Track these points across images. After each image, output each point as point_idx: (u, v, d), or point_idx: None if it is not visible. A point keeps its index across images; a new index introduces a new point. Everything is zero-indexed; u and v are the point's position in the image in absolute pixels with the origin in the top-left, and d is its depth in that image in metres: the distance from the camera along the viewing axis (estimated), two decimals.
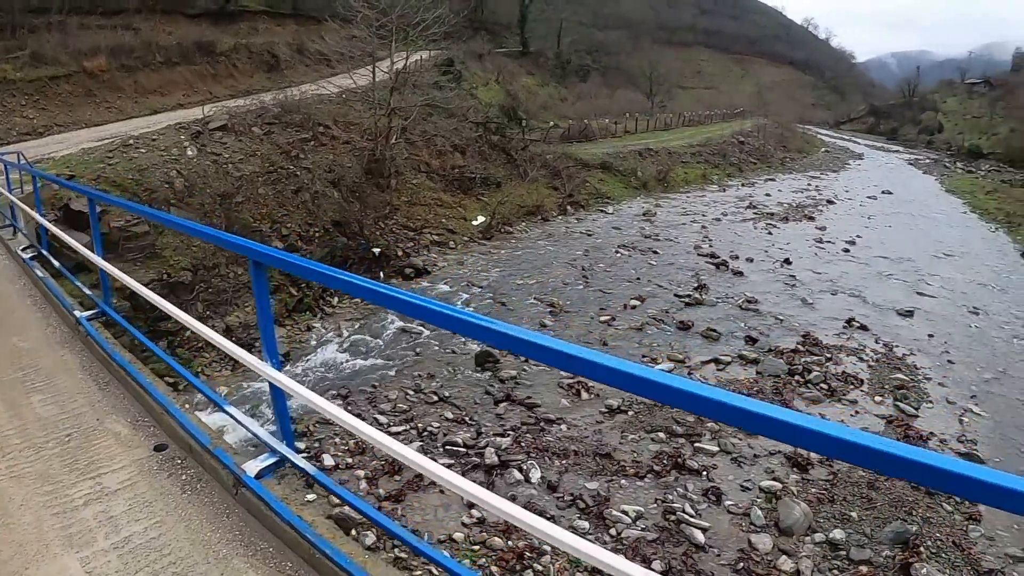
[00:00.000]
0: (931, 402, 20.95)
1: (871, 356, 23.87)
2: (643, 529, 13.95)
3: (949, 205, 63.23)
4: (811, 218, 50.18)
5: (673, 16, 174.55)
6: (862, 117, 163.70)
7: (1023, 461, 18.18)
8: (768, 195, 58.96)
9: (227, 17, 55.27)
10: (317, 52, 36.85)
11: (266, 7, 60.74)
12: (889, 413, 19.95)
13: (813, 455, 16.87)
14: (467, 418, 18.32)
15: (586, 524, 13.97)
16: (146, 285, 19.46)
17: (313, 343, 23.13)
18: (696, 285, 30.80)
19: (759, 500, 15.27)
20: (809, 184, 67.89)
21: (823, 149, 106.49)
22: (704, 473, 16.10)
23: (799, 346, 24.31)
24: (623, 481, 15.55)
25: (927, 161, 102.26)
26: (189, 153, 25.77)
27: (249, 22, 56.73)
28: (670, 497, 15.02)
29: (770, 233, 44.29)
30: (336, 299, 26.23)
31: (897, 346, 24.99)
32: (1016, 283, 36.15)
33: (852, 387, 21.38)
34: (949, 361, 24.12)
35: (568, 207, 45.98)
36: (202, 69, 41.75)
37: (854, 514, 15.08)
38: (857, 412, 19.89)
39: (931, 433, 19.04)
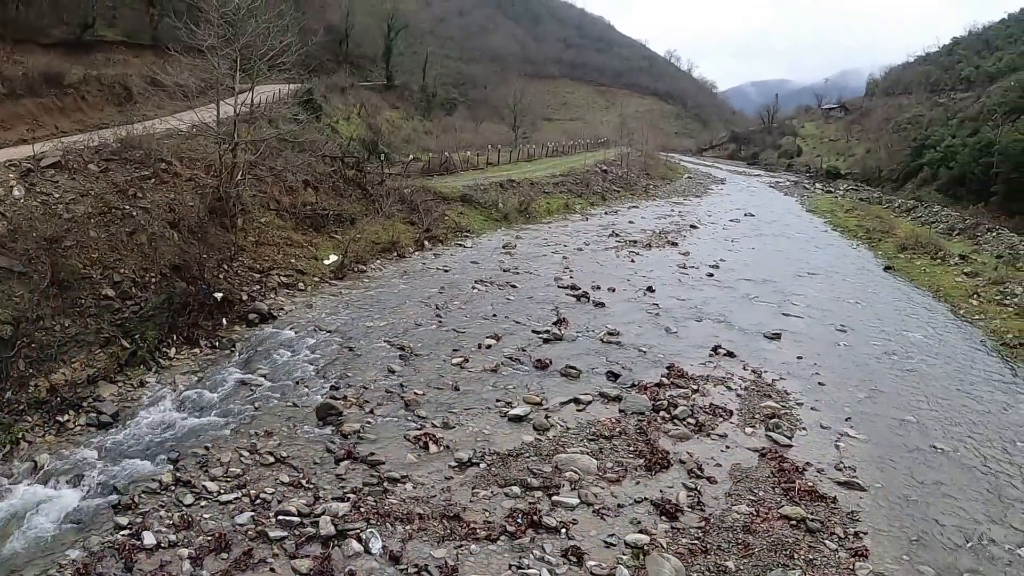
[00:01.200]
0: (805, 429, 21.20)
1: (739, 384, 24.07)
2: None
3: (811, 224, 65.96)
4: (674, 244, 51.37)
5: (539, 50, 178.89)
6: (724, 144, 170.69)
7: (907, 485, 18.45)
8: (631, 222, 60.12)
9: (83, 47, 53.40)
10: (175, 84, 35.37)
11: (124, 37, 58.89)
12: (762, 445, 20.02)
13: (682, 499, 16.77)
14: (304, 481, 17.53)
15: None
16: None
17: (146, 401, 21.84)
18: (555, 320, 30.72)
19: (625, 557, 14.81)
20: (672, 210, 69.67)
21: (686, 175, 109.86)
22: (563, 530, 15.57)
23: (664, 379, 24.32)
24: (473, 546, 14.92)
25: (788, 183, 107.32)
26: (15, 194, 24.26)
27: (105, 53, 54.96)
28: (526, 562, 14.45)
29: (633, 261, 45.04)
30: (173, 351, 25.05)
31: (766, 371, 25.35)
32: (881, 298, 37.72)
33: (721, 420, 21.48)
34: (820, 383, 24.57)
35: (425, 242, 45.59)
36: (48, 102, 39.80)
37: (731, 564, 14.81)
38: (728, 447, 19.89)
39: (807, 463, 19.11)
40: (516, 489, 17.14)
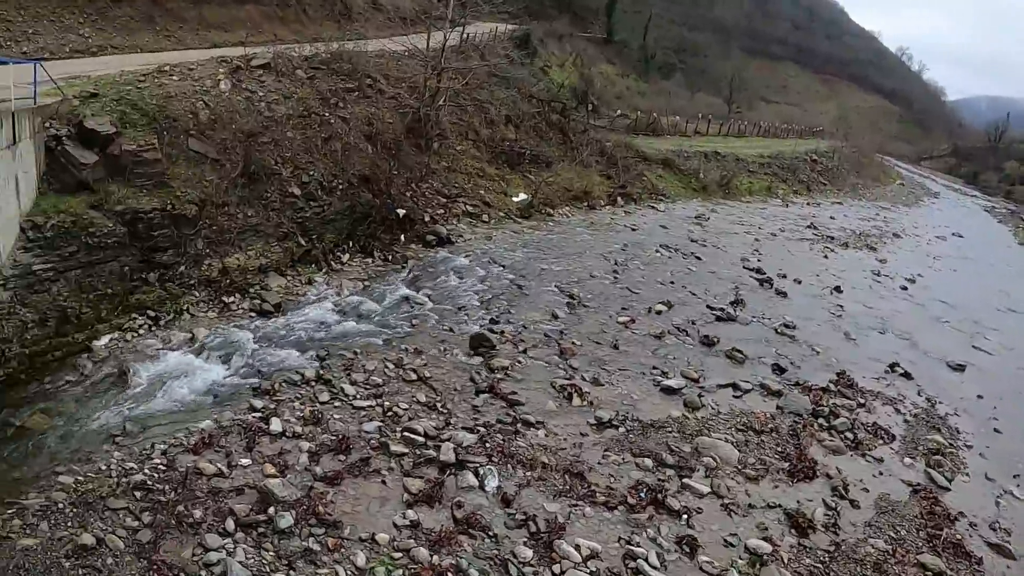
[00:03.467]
0: (967, 475, 19.29)
1: (909, 409, 22.36)
2: (591, 574, 12.83)
3: (1022, 259, 61.08)
4: (873, 248, 48.79)
5: (766, 27, 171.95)
6: (944, 156, 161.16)
7: None
8: (832, 218, 57.64)
9: None
10: (393, 6, 36.08)
11: None
12: (917, 480, 18.30)
13: (818, 515, 15.64)
14: (440, 405, 17.71)
15: (529, 553, 12.96)
16: (148, 213, 19.73)
17: (310, 298, 22.78)
18: (733, 299, 29.71)
19: (741, 562, 13.89)
20: (877, 214, 66.30)
21: (898, 182, 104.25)
22: (685, 517, 14.79)
23: (831, 384, 22.89)
24: (588, 509, 14.50)
25: (1005, 211, 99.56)
26: (222, 87, 25.35)
27: None
28: (636, 539, 13.85)
29: (826, 257, 43.09)
30: (346, 256, 25.82)
31: (941, 402, 23.43)
32: None
33: (881, 442, 19.89)
34: (996, 430, 22.37)
35: (618, 198, 45.11)
36: (269, 10, 41.10)
37: None
38: (881, 473, 18.33)
39: (961, 513, 17.23)
40: (648, 462, 16.49)
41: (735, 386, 21.40)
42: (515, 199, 37.07)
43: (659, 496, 15.15)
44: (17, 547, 11.58)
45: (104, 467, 13.78)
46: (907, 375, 24.96)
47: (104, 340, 18.25)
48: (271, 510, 12.98)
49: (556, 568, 12.77)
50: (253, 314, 21.04)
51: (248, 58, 28.30)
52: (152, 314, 19.65)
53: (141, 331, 19.07)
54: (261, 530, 12.67)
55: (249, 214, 23.16)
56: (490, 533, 13.33)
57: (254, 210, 23.39)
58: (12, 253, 16.86)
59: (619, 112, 65.44)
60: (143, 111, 22.06)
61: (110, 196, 19.80)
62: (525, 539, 13.33)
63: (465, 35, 41.09)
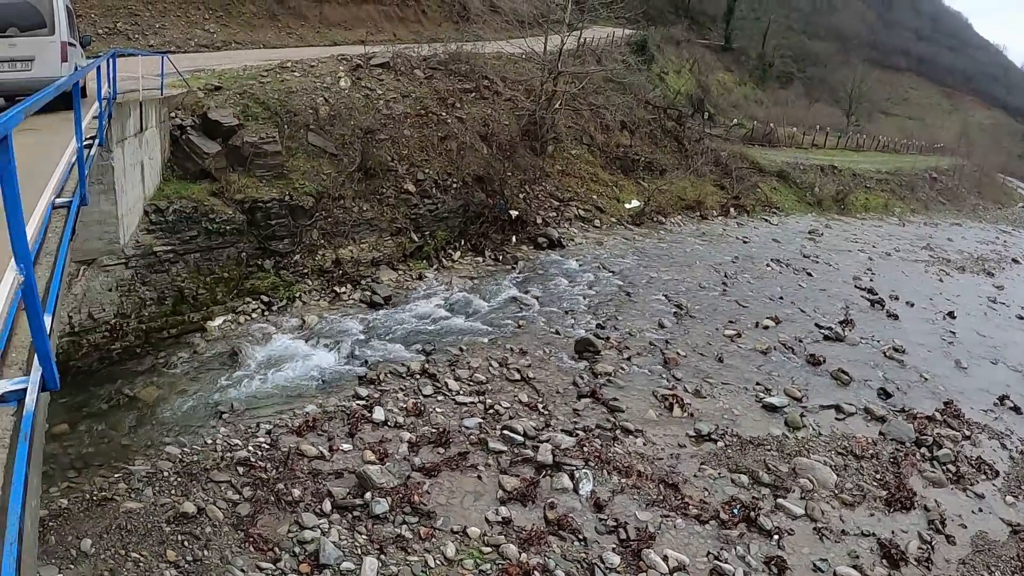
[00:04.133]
0: None
1: (1016, 446, 21.05)
2: None
3: None
4: (991, 274, 46.53)
5: (887, 37, 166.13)
6: None
7: None
8: (950, 240, 55.28)
9: None
10: (511, 10, 36.34)
11: None
12: (1018, 520, 17.12)
13: (912, 548, 14.86)
14: (541, 406, 17.60)
15: (616, 560, 12.75)
16: (267, 203, 20.24)
17: (420, 293, 22.99)
18: (842, 319, 28.69)
19: None
20: (997, 238, 63.27)
21: (1020, 204, 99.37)
22: (776, 537, 14.29)
23: (937, 414, 21.55)
24: (680, 520, 14.18)
25: None
26: (342, 84, 25.93)
27: None
28: (725, 555, 13.49)
29: (941, 280, 41.27)
30: (457, 254, 25.97)
31: None
32: None
33: (984, 477, 18.61)
34: None
35: (731, 209, 44.34)
36: (390, 10, 41.89)
37: None
38: (981, 510, 17.18)
39: None
40: (744, 479, 15.99)
41: (838, 408, 20.51)
42: (627, 205, 36.74)
43: (752, 514, 14.70)
44: (121, 509, 12.02)
45: (210, 441, 14.27)
46: (1017, 409, 23.54)
47: (218, 321, 18.94)
48: (368, 495, 13.15)
49: None
50: (363, 305, 21.38)
51: (368, 57, 28.88)
52: (265, 299, 20.29)
53: (254, 315, 19.71)
54: (356, 513, 12.86)
55: (364, 208, 23.55)
56: (580, 536, 13.19)
57: (369, 204, 23.78)
58: (135, 234, 17.44)
59: (735, 121, 64.53)
60: (265, 105, 22.77)
61: (231, 185, 20.49)
62: (614, 545, 13.12)
63: (582, 39, 41.06)
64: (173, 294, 18.30)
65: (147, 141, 17.33)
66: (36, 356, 4.98)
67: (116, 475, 12.87)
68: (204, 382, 16.43)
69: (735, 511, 14.73)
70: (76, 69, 13.70)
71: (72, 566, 11.34)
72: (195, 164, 20.42)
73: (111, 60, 14.01)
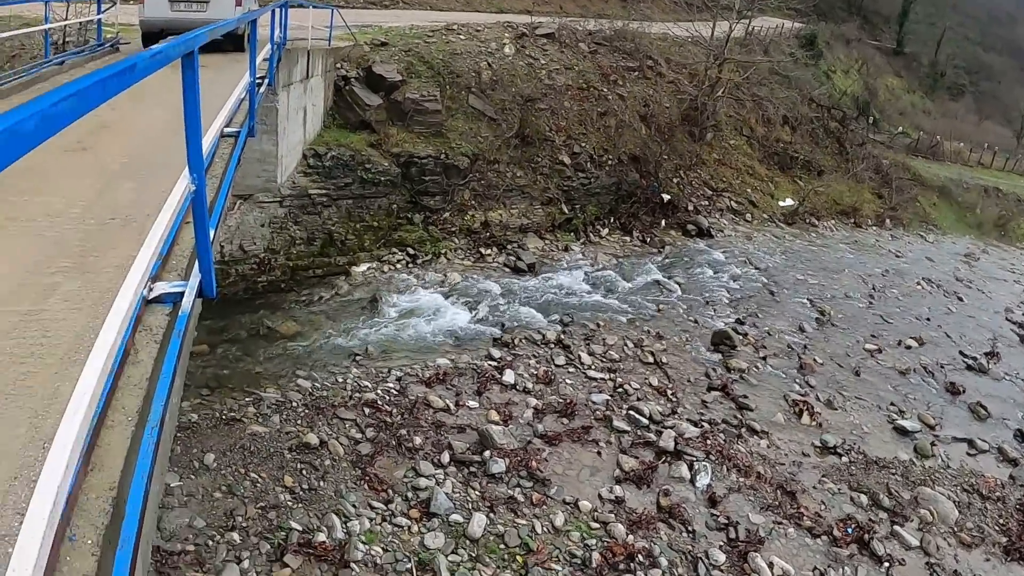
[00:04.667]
0: None
1: None
2: None
3: None
4: None
5: None
6: None
7: None
8: None
9: None
10: None
11: None
12: None
13: None
14: (670, 392, 17.33)
15: (721, 558, 12.44)
16: (422, 159, 20.62)
17: (564, 264, 22.98)
18: (988, 351, 27.27)
19: None
20: None
21: None
22: (887, 565, 13.65)
23: None
24: (791, 530, 13.72)
25: None
26: (506, 50, 26.09)
27: None
28: (832, 573, 13.03)
29: None
30: (605, 231, 25.83)
31: None
32: None
33: None
34: None
35: (887, 220, 42.70)
36: None
37: None
38: None
39: None
40: (864, 499, 15.25)
41: (971, 443, 19.24)
42: (781, 203, 35.76)
43: (865, 536, 14.04)
44: (247, 431, 12.53)
45: (340, 380, 14.71)
46: None
47: (363, 267, 19.45)
48: (486, 453, 13.28)
49: None
50: (506, 269, 21.56)
51: (533, 26, 28.94)
52: (411, 252, 20.74)
53: (398, 266, 20.19)
54: (473, 470, 13.02)
55: (518, 175, 23.68)
56: (689, 528, 12.94)
57: (523, 172, 23.89)
58: (292, 176, 17.97)
59: (900, 129, 61.79)
60: (429, 64, 23.20)
61: (389, 138, 20.95)
62: (721, 543, 12.80)
63: (751, 28, 40.18)
64: (322, 236, 18.86)
65: (312, 88, 17.83)
66: (197, 264, 5.17)
67: (247, 399, 13.45)
68: (342, 323, 16.96)
69: (849, 530, 14.14)
70: None
71: (193, 476, 12.01)
72: (356, 115, 20.93)
73: (283, 8, 14.56)
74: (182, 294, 4.89)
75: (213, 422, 12.92)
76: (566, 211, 24.77)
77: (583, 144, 26.11)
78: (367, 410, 13.78)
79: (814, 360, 21.06)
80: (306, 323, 16.56)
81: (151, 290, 4.92)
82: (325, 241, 18.94)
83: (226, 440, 12.49)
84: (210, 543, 11.18)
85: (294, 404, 13.62)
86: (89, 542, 3.16)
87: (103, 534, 3.20)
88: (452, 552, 11.49)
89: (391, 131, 21.21)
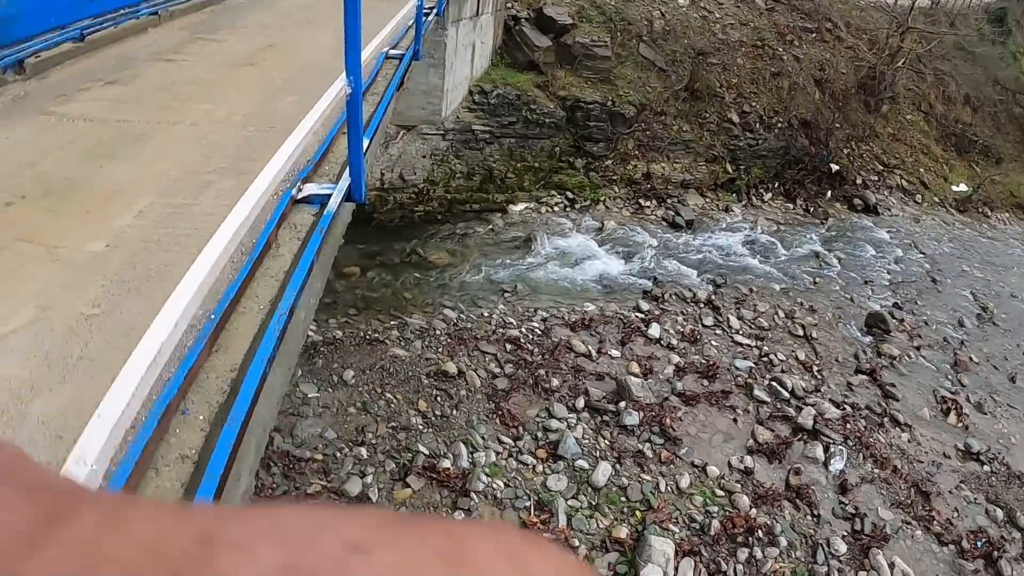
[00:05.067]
0: None
1: None
2: None
3: None
4: None
5: None
6: None
7: None
8: None
9: None
10: None
11: None
12: None
13: None
14: (816, 369, 16.75)
15: (843, 548, 11.98)
16: (588, 104, 20.47)
17: (723, 225, 22.50)
18: None
19: None
20: None
21: None
22: None
23: None
24: (919, 532, 13.06)
25: None
26: (680, 1, 25.50)
27: None
28: None
29: None
30: (768, 196, 25.14)
31: None
32: None
33: None
34: None
35: None
36: None
37: None
38: None
39: None
40: (1000, 513, 14.25)
41: None
42: (954, 188, 33.90)
43: (995, 553, 13.15)
44: (388, 353, 12.92)
45: (486, 314, 14.91)
46: None
47: (520, 207, 19.56)
48: (621, 404, 13.20)
49: (861, 575, 11.74)
50: (664, 223, 21.27)
51: None
52: (570, 196, 20.78)
53: (555, 208, 20.26)
54: (606, 419, 12.97)
55: (684, 129, 23.27)
56: (815, 512, 12.49)
57: (690, 126, 23.45)
58: (457, 111, 18.15)
59: None
60: (601, 9, 23.00)
61: (556, 81, 20.88)
62: (845, 533, 12.29)
63: None
64: (482, 172, 19.02)
65: (481, 26, 17.91)
66: (348, 168, 5.37)
67: (392, 323, 13.83)
68: (494, 259, 17.18)
69: (979, 544, 13.27)
70: None
71: (331, 390, 12.46)
72: (524, 55, 20.92)
73: None
74: (330, 196, 5.12)
75: (357, 341, 13.35)
76: (730, 171, 24.20)
77: (753, 104, 25.37)
78: (509, 346, 13.94)
79: (970, 358, 19.94)
80: (458, 255, 16.89)
81: (300, 191, 5.20)
82: (485, 177, 19.13)
83: (367, 359, 12.89)
84: (338, 455, 11.64)
85: (437, 332, 13.92)
86: (201, 418, 3.38)
87: (216, 412, 3.40)
88: (573, 497, 11.54)
89: (558, 74, 21.15)
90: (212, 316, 3.84)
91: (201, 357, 3.61)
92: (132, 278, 4.32)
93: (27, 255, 4.51)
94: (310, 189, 5.21)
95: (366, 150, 5.87)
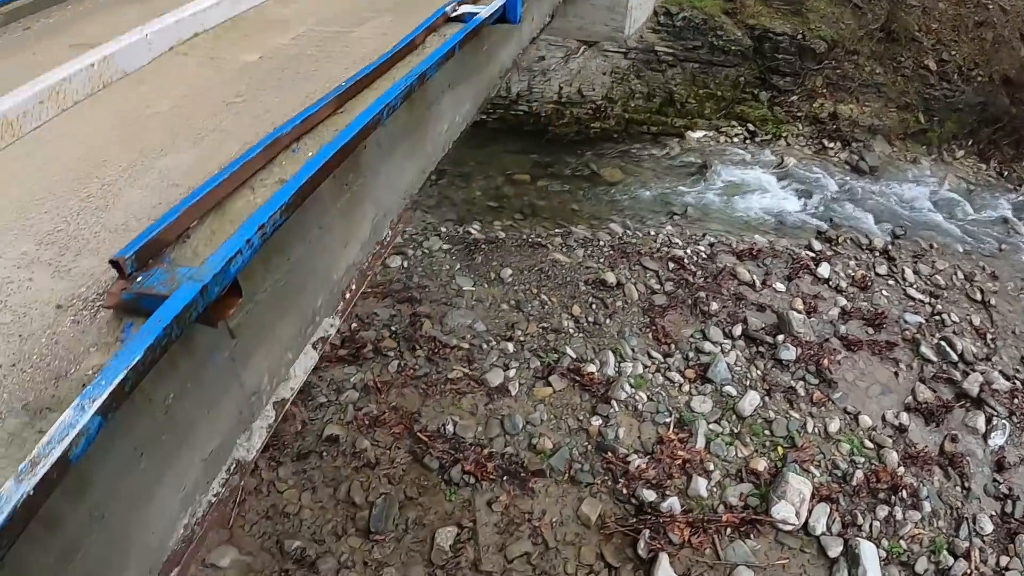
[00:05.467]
0: None
1: None
2: None
3: None
4: None
5: None
6: None
7: None
8: None
9: None
10: None
11: None
12: None
13: None
14: (989, 337, 15.56)
15: (988, 528, 11.16)
16: (777, 35, 19.86)
17: (909, 176, 21.31)
18: None
19: None
20: None
21: None
22: None
23: None
24: None
25: None
26: None
27: None
28: None
29: None
30: (960, 153, 23.72)
31: None
32: None
33: None
34: None
35: None
36: None
37: None
38: None
39: None
40: None
41: None
42: None
43: None
44: (548, 257, 13.08)
45: (652, 233, 14.83)
46: None
47: (698, 134, 19.28)
48: (780, 337, 12.93)
49: (1003, 560, 10.99)
50: (847, 167, 20.39)
51: None
52: (751, 128, 20.27)
53: (735, 139, 19.82)
54: (761, 349, 12.74)
55: (876, 71, 22.17)
56: (965, 484, 11.70)
57: (883, 69, 22.33)
58: (640, 30, 17.84)
59: None
60: None
61: (745, 8, 20.48)
62: (993, 513, 11.46)
63: None
64: (662, 95, 18.72)
65: None
66: None
67: (556, 230, 13.97)
68: (667, 182, 17.04)
69: None
70: None
71: (486, 285, 12.80)
72: None
73: None
74: (483, 16, 5.88)
75: (518, 243, 13.55)
76: (922, 121, 22.94)
77: (952, 52, 23.89)
78: (671, 265, 13.83)
79: None
80: (631, 174, 16.78)
81: (455, 9, 5.91)
82: (664, 100, 18.83)
83: (527, 261, 13.06)
84: (484, 346, 11.91)
85: (601, 244, 13.95)
86: (310, 154, 4.03)
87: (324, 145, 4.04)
88: (715, 421, 11.44)
89: (748, 1, 20.49)
90: (343, 83, 4.53)
91: (322, 111, 4.30)
92: (277, 79, 5.10)
93: (188, 60, 5.37)
94: (465, 8, 5.87)
95: None
